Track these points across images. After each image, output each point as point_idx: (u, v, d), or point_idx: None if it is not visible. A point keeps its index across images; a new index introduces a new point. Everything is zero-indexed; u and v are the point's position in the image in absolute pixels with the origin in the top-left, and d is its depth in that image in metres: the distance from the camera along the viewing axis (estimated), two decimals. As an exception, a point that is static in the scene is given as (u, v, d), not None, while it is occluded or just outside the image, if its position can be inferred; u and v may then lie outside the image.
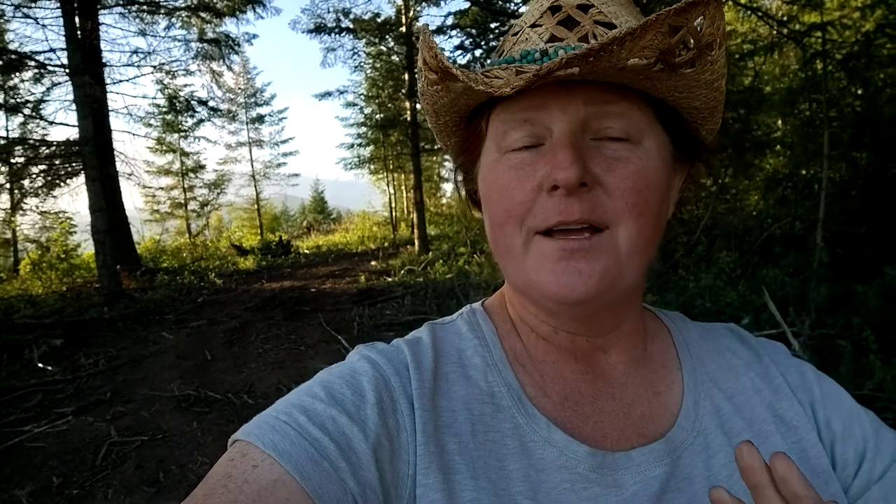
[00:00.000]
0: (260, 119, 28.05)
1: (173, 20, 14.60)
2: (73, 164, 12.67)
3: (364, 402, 0.59)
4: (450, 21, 13.14)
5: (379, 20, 14.58)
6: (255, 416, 0.58)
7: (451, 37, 13.71)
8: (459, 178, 0.77)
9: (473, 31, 12.26)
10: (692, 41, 0.52)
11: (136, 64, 14.73)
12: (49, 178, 13.25)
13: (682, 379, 0.72)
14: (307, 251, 18.68)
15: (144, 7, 13.83)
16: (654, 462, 0.63)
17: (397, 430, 0.59)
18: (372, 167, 25.66)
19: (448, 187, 32.83)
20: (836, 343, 4.41)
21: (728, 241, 7.92)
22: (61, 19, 10.37)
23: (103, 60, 13.79)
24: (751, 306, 5.53)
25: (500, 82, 0.53)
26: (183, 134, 23.44)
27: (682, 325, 0.80)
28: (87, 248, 13.81)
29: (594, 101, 0.58)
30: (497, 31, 11.56)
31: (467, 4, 11.97)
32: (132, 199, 24.44)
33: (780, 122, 9.80)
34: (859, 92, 7.53)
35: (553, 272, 0.59)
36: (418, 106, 16.94)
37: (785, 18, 7.57)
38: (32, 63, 12.25)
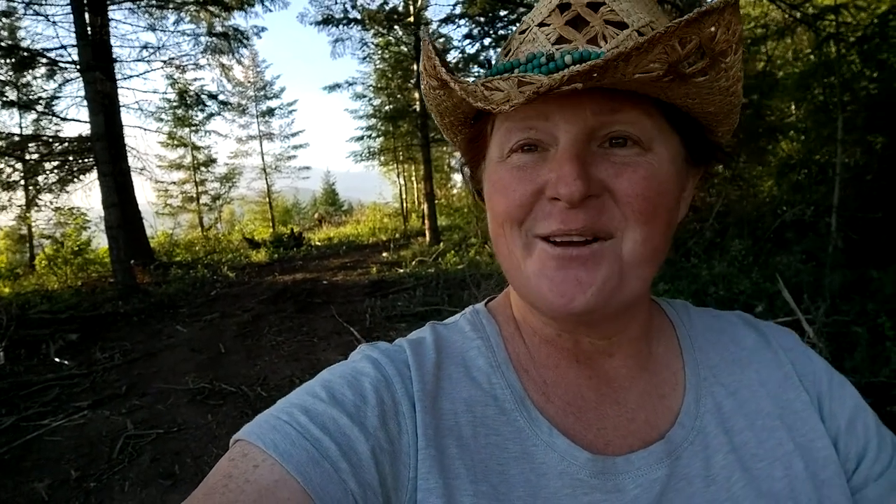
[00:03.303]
0: (270, 112, 28.08)
1: (182, 14, 14.64)
2: (86, 160, 12.79)
3: (365, 403, 0.58)
4: (458, 10, 13.06)
5: (386, 10, 14.52)
6: (256, 416, 0.57)
7: (459, 26, 13.63)
8: (468, 172, 0.75)
9: (482, 19, 12.18)
10: (705, 50, 0.50)
11: (145, 59, 14.81)
12: (62, 174, 13.40)
13: (684, 376, 0.71)
14: (319, 243, 18.77)
15: (153, 2, 13.87)
16: (655, 464, 0.62)
17: (398, 433, 0.58)
18: (382, 158, 25.67)
19: (459, 178, 32.79)
20: (852, 330, 4.37)
21: (741, 228, 7.85)
22: (71, 16, 10.43)
23: (113, 56, 13.87)
24: (764, 294, 5.49)
25: (500, 96, 0.51)
26: (194, 128, 23.52)
27: (686, 318, 0.78)
28: (102, 243, 13.94)
29: (602, 110, 0.55)
30: (506, 18, 11.48)
31: (475, -7, 11.89)
32: (145, 194, 24.60)
33: (793, 106, 9.69)
34: (874, 75, 7.40)
35: (552, 280, 0.58)
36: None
37: (798, 2, 7.46)
38: (44, 60, 12.38)
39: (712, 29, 0.48)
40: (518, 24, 0.65)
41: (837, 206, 6.22)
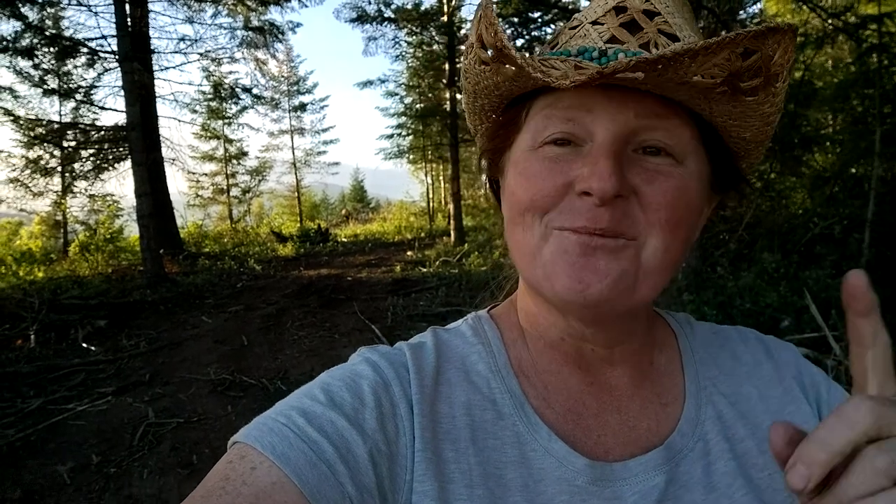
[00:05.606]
0: (302, 107, 28.36)
1: (220, 8, 14.88)
2: (121, 149, 13.05)
3: (363, 405, 0.58)
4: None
5: (420, 9, 14.55)
6: (255, 418, 0.57)
7: (493, 26, 13.59)
8: (483, 163, 0.75)
9: (516, 20, 12.13)
10: (762, 69, 0.50)
11: (182, 51, 15.08)
12: (98, 162, 13.69)
13: (684, 385, 0.71)
14: (345, 239, 18.90)
15: (192, -5, 14.10)
16: (653, 471, 0.62)
17: (396, 436, 0.58)
18: (411, 157, 25.74)
19: (485, 178, 32.82)
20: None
21: (771, 240, 7.70)
22: (112, 7, 10.63)
23: (151, 47, 14.12)
24: (792, 308, 5.38)
25: (558, 73, 0.51)
26: (227, 121, 23.88)
27: (688, 330, 0.78)
28: (133, 231, 14.21)
29: (646, 113, 0.56)
30: (539, 20, 11.43)
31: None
32: (176, 184, 24.94)
33: (830, 117, 9.47)
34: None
35: (572, 266, 0.57)
36: (458, 96, 16.87)
37: (842, 9, 7.30)
38: (85, 50, 12.64)
39: (774, 48, 0.49)
40: (567, 21, 0.66)
41: (872, 221, 6.06)
